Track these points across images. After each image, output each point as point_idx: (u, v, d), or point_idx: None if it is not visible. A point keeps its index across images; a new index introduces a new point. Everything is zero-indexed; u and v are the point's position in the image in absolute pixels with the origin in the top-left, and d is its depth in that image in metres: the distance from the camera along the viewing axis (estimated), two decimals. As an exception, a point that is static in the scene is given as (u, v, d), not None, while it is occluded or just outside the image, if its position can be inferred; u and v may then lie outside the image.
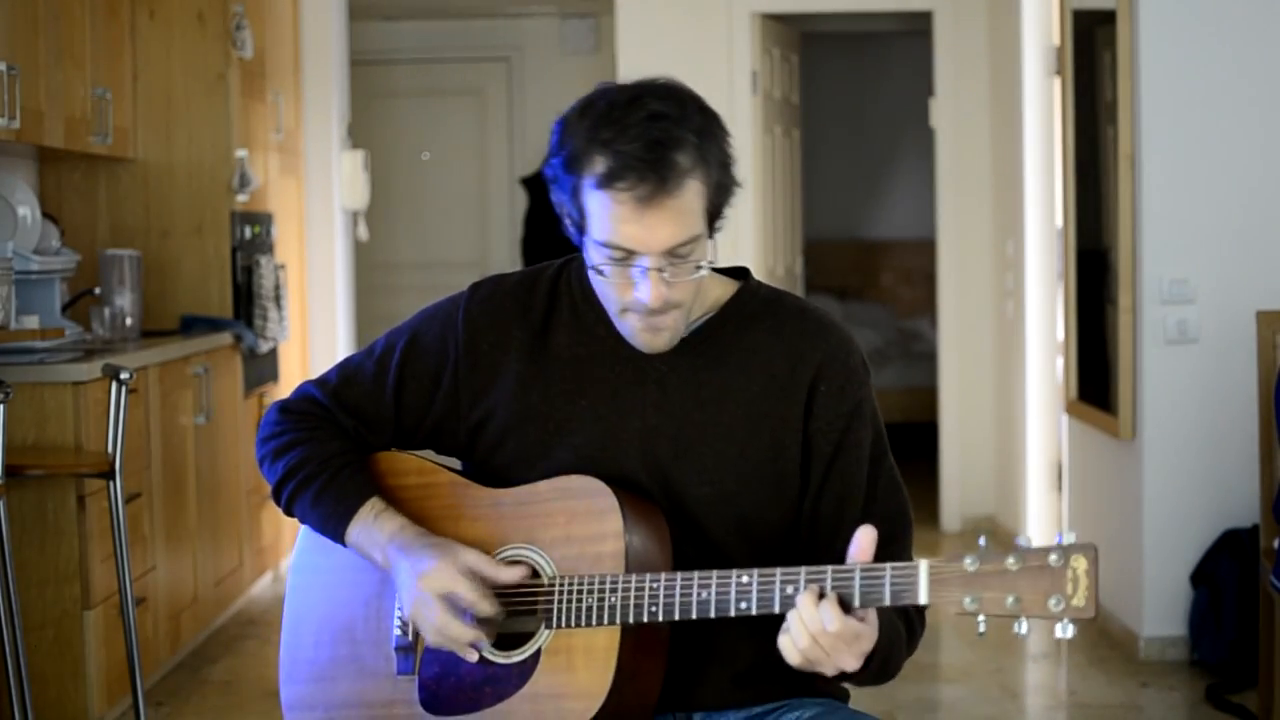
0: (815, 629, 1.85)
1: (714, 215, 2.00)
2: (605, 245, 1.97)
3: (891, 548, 2.06)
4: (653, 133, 1.93)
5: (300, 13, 6.58)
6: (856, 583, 1.85)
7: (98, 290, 5.21)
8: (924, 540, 6.51)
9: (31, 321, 4.67)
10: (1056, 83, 5.85)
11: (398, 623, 2.08)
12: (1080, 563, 1.76)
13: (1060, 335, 5.81)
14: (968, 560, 1.80)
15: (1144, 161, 4.73)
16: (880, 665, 1.98)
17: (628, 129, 1.94)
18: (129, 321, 5.16)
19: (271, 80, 6.13)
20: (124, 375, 4.00)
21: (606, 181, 1.94)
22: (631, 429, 2.07)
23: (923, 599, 1.82)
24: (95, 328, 5.04)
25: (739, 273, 2.16)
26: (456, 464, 2.20)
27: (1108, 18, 4.91)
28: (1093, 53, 5.37)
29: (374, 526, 2.08)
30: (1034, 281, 6.25)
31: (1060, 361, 5.82)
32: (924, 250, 8.94)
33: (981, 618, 1.80)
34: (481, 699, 2.02)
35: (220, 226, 5.63)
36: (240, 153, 5.65)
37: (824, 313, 2.15)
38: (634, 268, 1.97)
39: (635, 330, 2.03)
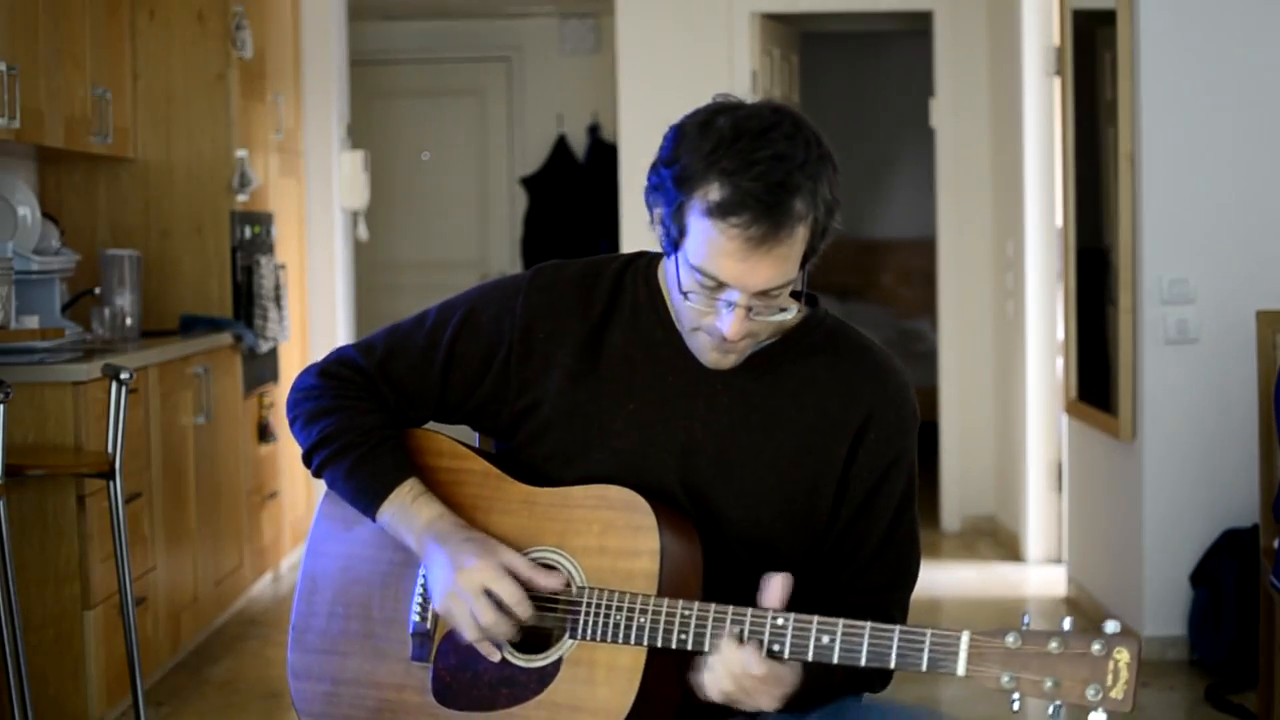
0: (738, 671, 1.86)
1: (810, 255, 1.96)
2: (699, 271, 1.91)
3: (891, 596, 2.06)
4: (776, 174, 1.87)
5: (300, 13, 6.57)
6: (895, 644, 1.83)
7: (98, 290, 5.20)
8: (924, 540, 6.47)
9: (31, 321, 4.67)
10: (1056, 83, 5.85)
11: (418, 608, 2.06)
12: (1123, 655, 1.75)
13: (1060, 335, 5.81)
14: (1010, 638, 1.79)
15: (1144, 161, 4.73)
16: (800, 706, 1.97)
17: (752, 165, 1.87)
18: (129, 321, 5.16)
19: (271, 80, 6.13)
20: (124, 375, 4.00)
21: (720, 212, 1.87)
22: (674, 441, 2.04)
23: (960, 671, 1.80)
24: (95, 328, 5.04)
25: (808, 299, 2.11)
26: (486, 444, 2.18)
27: (1108, 18, 4.91)
28: (1093, 53, 5.37)
29: (411, 509, 2.05)
30: (1034, 281, 6.25)
31: (1060, 361, 5.82)
32: (924, 250, 8.94)
33: (1016, 695, 1.78)
34: (497, 699, 2.00)
35: (220, 226, 5.63)
36: (240, 153, 5.64)
37: (886, 355, 2.11)
38: (720, 300, 1.93)
39: (703, 349, 2.00)
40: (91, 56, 4.99)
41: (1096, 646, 1.76)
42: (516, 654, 2.01)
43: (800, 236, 1.90)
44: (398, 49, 9.02)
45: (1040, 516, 6.25)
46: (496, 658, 2.00)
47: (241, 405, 5.59)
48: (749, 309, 1.92)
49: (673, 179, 1.92)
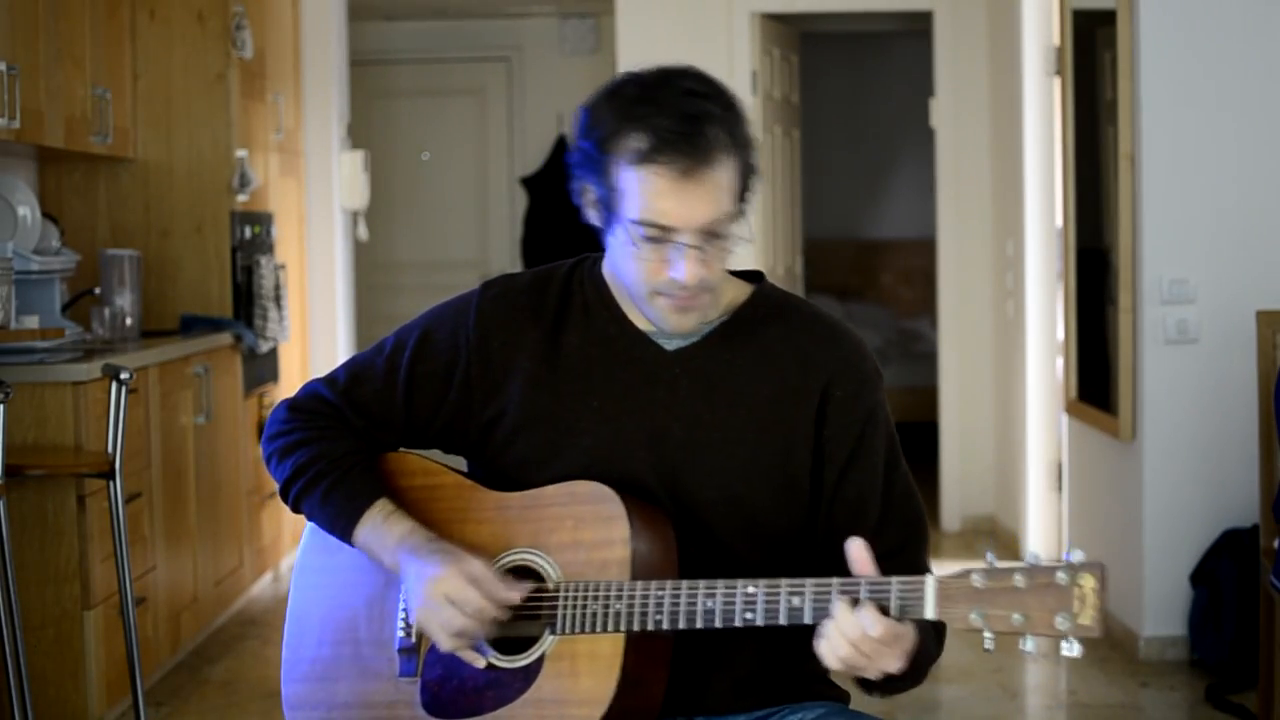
0: (855, 636, 1.83)
1: (741, 196, 2.00)
2: (641, 223, 1.95)
3: (906, 555, 2.05)
4: (688, 108, 1.94)
5: (300, 13, 6.58)
6: (863, 598, 1.83)
7: (98, 290, 5.21)
8: (924, 540, 6.49)
9: (31, 321, 4.67)
10: (1056, 83, 5.85)
11: (401, 624, 2.08)
12: (1088, 581, 1.76)
13: (1060, 335, 5.81)
14: (975, 576, 1.79)
15: (1144, 161, 4.73)
16: (925, 664, 1.97)
17: (663, 105, 1.94)
18: (129, 321, 5.16)
19: (271, 80, 6.13)
20: (124, 375, 4.00)
21: (645, 157, 1.93)
22: (641, 430, 2.05)
23: (930, 614, 1.81)
24: (95, 328, 5.04)
25: (753, 276, 2.14)
26: (462, 465, 2.19)
27: (1108, 18, 4.91)
28: (1093, 53, 5.37)
29: (383, 528, 2.07)
30: (1034, 281, 6.25)
31: (1060, 361, 5.82)
32: (924, 250, 8.94)
33: (988, 633, 1.79)
34: (484, 703, 2.01)
35: (220, 226, 5.63)
36: (240, 153, 5.64)
37: (837, 319, 2.13)
38: (670, 245, 1.96)
39: (664, 311, 2.01)
40: (91, 56, 4.99)
41: (1061, 576, 1.77)
42: (500, 656, 2.02)
43: (727, 165, 1.96)
44: (398, 49, 9.02)
45: (1040, 516, 6.25)
46: (481, 664, 2.02)
47: (241, 405, 5.59)
48: (698, 249, 1.96)
49: (594, 145, 1.98)
